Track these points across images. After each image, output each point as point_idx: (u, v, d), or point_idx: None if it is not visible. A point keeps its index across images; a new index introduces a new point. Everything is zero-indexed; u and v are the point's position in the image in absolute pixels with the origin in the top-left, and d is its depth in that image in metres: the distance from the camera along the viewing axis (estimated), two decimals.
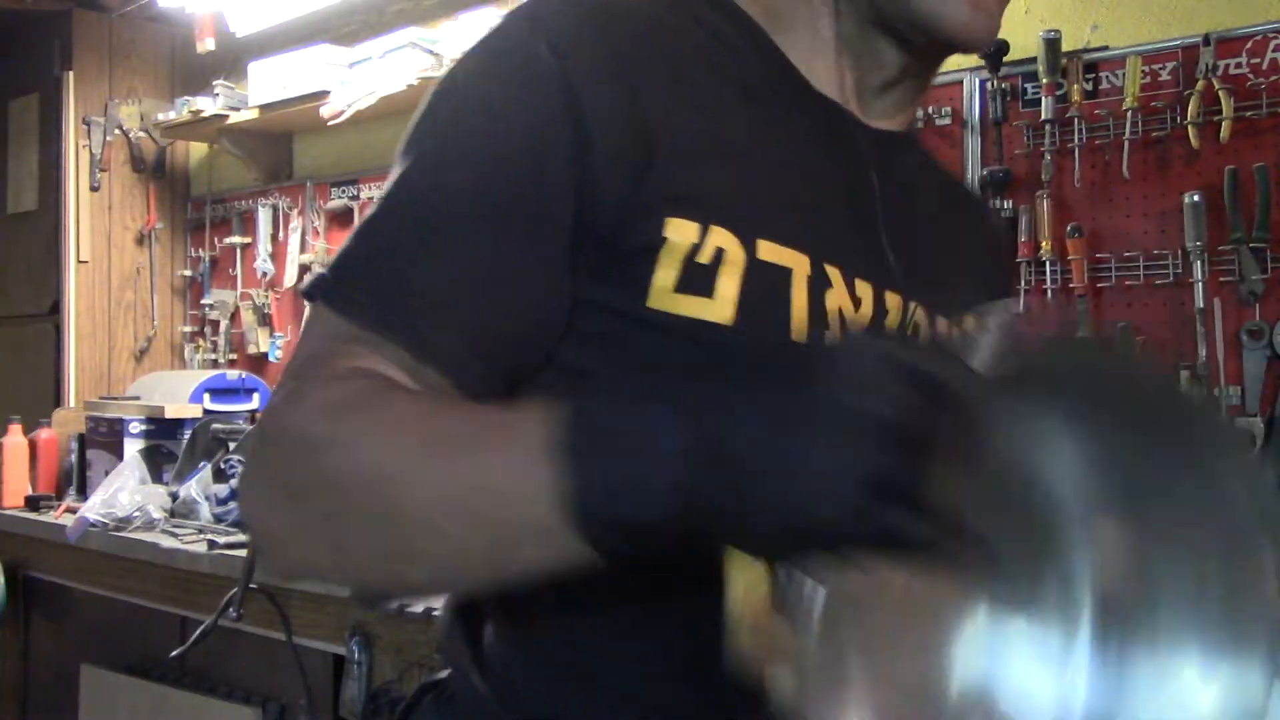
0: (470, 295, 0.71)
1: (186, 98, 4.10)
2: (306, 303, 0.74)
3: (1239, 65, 2.17)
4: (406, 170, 0.74)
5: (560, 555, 0.60)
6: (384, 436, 0.65)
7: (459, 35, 3.13)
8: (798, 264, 0.75)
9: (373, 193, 3.64)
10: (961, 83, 2.51)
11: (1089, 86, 2.33)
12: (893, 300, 0.81)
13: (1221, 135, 2.14)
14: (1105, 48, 2.34)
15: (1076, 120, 2.31)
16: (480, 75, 0.78)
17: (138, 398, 3.61)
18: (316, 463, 0.65)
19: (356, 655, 2.23)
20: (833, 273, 0.77)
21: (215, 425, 3.14)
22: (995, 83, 2.41)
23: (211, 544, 2.64)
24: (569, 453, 0.59)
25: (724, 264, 0.72)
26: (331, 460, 0.65)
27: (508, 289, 0.71)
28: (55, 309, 4.26)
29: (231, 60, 4.16)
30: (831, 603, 0.60)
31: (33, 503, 3.33)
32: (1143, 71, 2.25)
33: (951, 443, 0.55)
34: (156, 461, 3.22)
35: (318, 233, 3.87)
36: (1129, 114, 2.25)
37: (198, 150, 4.58)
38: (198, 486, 2.98)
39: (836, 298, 0.77)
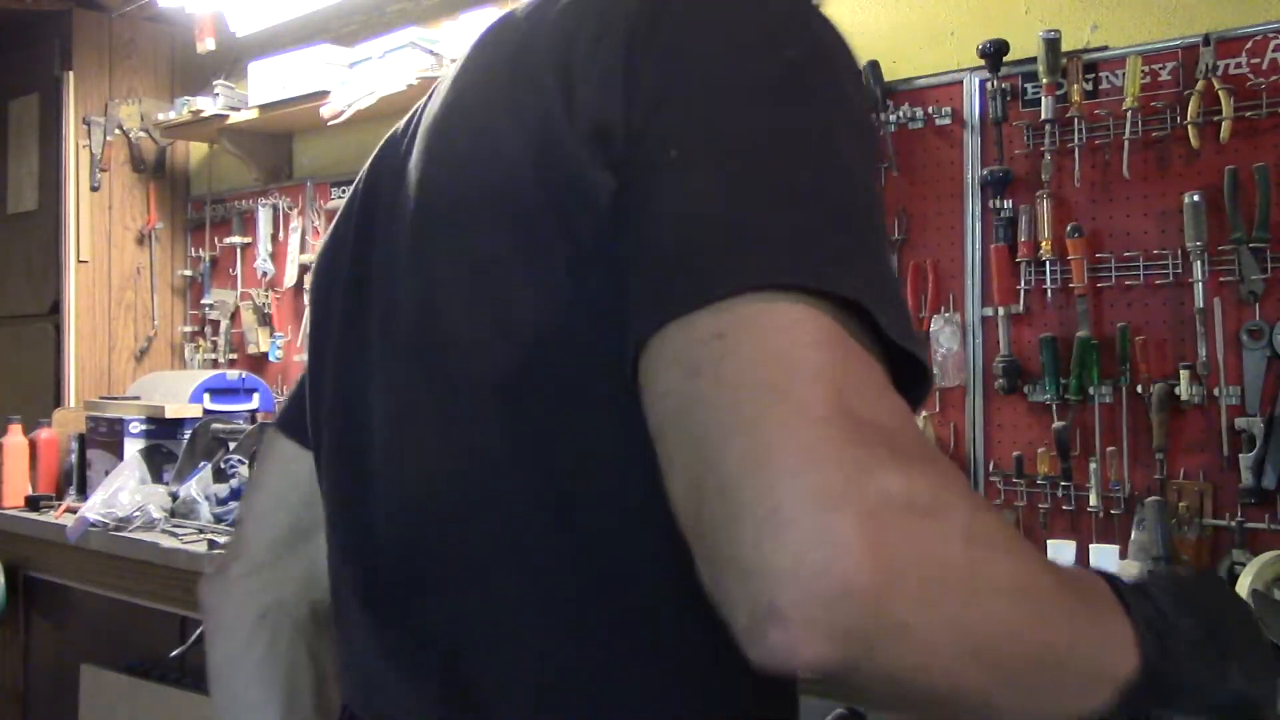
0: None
1: (186, 98, 4.11)
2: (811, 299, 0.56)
3: (1239, 65, 2.17)
4: (851, 167, 0.62)
5: (1104, 706, 0.60)
6: (1031, 579, 0.57)
7: (459, 35, 3.13)
8: None
9: None
10: (961, 83, 2.51)
11: (1089, 86, 2.33)
12: None
13: (1221, 135, 2.14)
14: (1105, 48, 2.34)
15: (1076, 120, 2.31)
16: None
17: (138, 398, 3.61)
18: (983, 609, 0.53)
19: None
20: None
21: (215, 425, 3.14)
22: (995, 83, 2.41)
23: (211, 544, 2.64)
24: (1140, 622, 0.62)
25: None
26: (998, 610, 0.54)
27: None
28: (55, 309, 4.26)
29: (231, 60, 4.17)
30: None
31: (33, 503, 3.33)
32: (1143, 71, 2.25)
33: None
34: (156, 461, 3.22)
35: (318, 232, 3.87)
36: (1129, 114, 2.25)
37: (198, 150, 4.58)
38: (198, 486, 2.98)
39: None
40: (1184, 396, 2.18)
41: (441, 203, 0.75)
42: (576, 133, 0.66)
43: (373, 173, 0.88)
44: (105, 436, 3.30)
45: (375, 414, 0.79)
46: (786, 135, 0.61)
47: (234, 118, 3.89)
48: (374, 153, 0.90)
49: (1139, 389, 2.24)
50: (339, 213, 0.93)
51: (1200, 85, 2.17)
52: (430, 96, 0.86)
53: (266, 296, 4.06)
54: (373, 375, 0.80)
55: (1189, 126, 2.17)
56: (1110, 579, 0.65)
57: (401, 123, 0.89)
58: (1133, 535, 2.17)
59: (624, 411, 0.61)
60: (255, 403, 3.56)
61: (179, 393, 3.50)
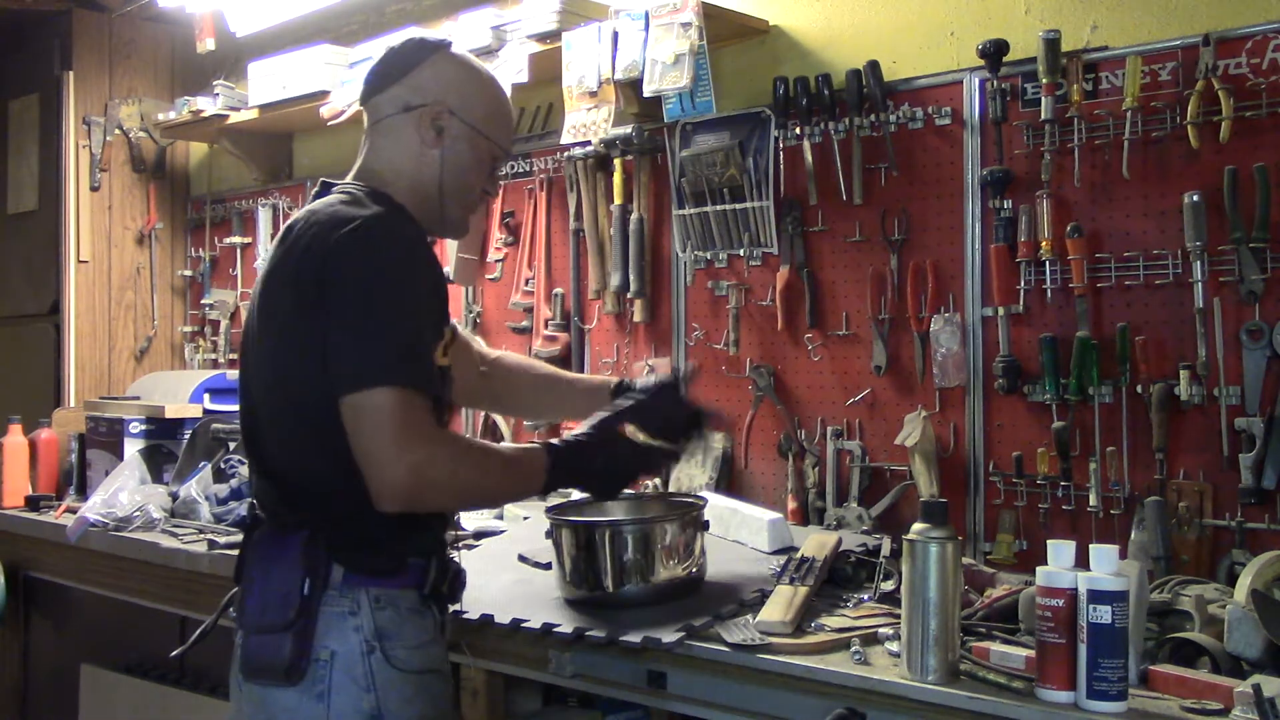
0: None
1: (186, 98, 4.11)
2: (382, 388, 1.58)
3: (1239, 65, 2.17)
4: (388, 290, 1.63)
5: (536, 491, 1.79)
6: (486, 467, 1.72)
7: (459, 35, 3.12)
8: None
9: None
10: (961, 83, 2.51)
11: (1089, 86, 2.33)
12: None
13: (1221, 135, 2.13)
14: (1105, 48, 2.34)
15: (1076, 120, 2.31)
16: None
17: (138, 398, 3.61)
18: (464, 480, 1.67)
19: None
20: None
21: (215, 425, 3.14)
22: (995, 83, 2.41)
23: (211, 544, 2.64)
24: (551, 469, 1.77)
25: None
26: (472, 481, 1.69)
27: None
28: (55, 309, 4.26)
29: (231, 60, 4.17)
30: None
31: (33, 503, 3.33)
32: (1142, 71, 2.25)
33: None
34: (156, 461, 3.22)
35: None
36: (1129, 114, 2.25)
37: (198, 150, 4.58)
38: (198, 486, 2.98)
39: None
40: (1184, 396, 2.18)
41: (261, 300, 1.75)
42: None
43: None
44: (105, 436, 3.30)
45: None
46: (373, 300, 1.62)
47: (234, 118, 3.90)
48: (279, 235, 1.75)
49: (1139, 389, 2.24)
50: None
51: (1200, 85, 2.17)
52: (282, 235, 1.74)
53: None
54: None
55: (1189, 126, 2.17)
56: (550, 449, 1.79)
57: (287, 224, 1.73)
58: (1133, 535, 2.17)
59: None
60: None
61: (179, 393, 3.50)
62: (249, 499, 1.83)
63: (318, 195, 1.78)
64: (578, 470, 1.82)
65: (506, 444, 1.90)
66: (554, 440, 1.83)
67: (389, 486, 1.56)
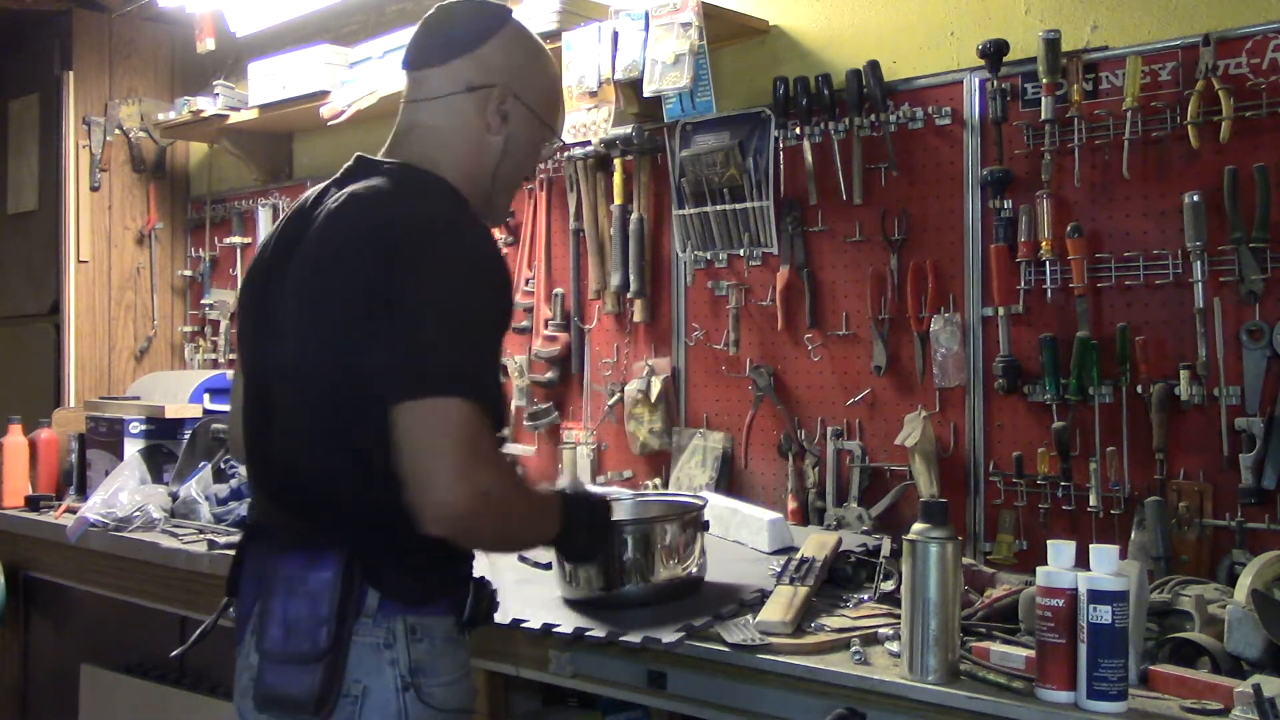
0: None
1: (186, 98, 4.11)
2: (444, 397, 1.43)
3: (1239, 65, 2.17)
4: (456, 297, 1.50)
5: (548, 540, 1.74)
6: (530, 506, 1.64)
7: None
8: None
9: None
10: (961, 83, 2.51)
11: (1089, 86, 2.33)
12: None
13: (1221, 135, 2.13)
14: (1105, 48, 2.34)
15: (1076, 120, 2.31)
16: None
17: (138, 398, 3.61)
18: (514, 518, 1.58)
19: None
20: None
21: (215, 425, 3.14)
22: (995, 83, 2.41)
23: (211, 544, 2.64)
24: (565, 519, 1.70)
25: None
26: (517, 519, 1.59)
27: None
28: (55, 309, 4.26)
29: (231, 60, 4.16)
30: None
31: (33, 503, 3.33)
32: (1143, 71, 2.25)
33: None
34: (156, 461, 3.22)
35: None
36: (1129, 114, 2.25)
37: (198, 150, 4.58)
38: (198, 486, 2.98)
39: None
40: (1184, 396, 2.18)
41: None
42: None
43: (286, 228, 1.65)
44: (105, 436, 3.30)
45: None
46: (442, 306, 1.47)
47: (234, 118, 3.90)
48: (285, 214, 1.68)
49: (1139, 389, 2.24)
50: (266, 238, 1.70)
51: (1200, 85, 2.17)
52: (312, 202, 1.63)
53: None
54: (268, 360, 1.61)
55: (1189, 126, 2.17)
56: (564, 496, 1.72)
57: (313, 194, 1.64)
58: (1133, 535, 2.17)
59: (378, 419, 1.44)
60: None
61: (179, 393, 3.50)
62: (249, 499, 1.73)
63: (355, 172, 1.61)
64: (578, 524, 1.71)
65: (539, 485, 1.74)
66: (562, 488, 1.75)
67: (443, 509, 1.40)
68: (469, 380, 1.42)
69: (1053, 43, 2.31)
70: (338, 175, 1.64)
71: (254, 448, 1.63)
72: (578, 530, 1.72)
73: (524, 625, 1.93)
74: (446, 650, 1.57)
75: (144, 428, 3.24)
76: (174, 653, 2.02)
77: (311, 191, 1.65)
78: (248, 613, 1.59)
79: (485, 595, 1.62)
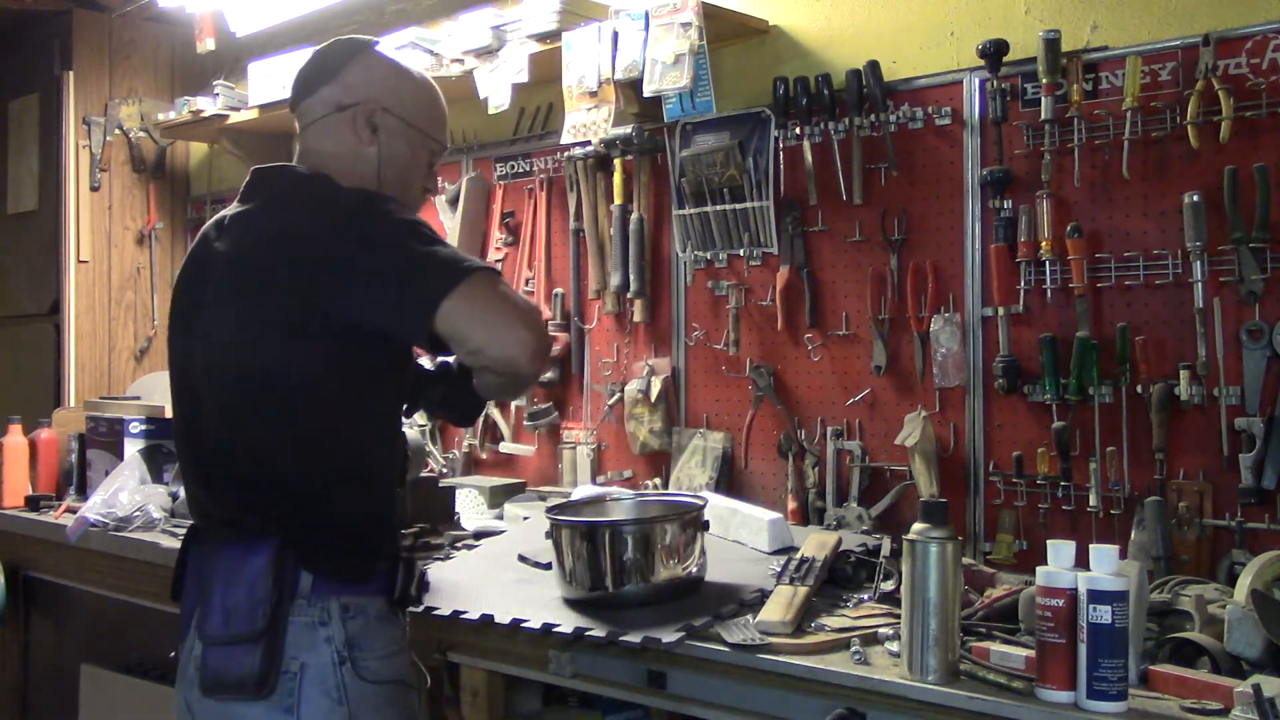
0: None
1: (186, 98, 4.10)
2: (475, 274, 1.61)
3: (1239, 65, 2.17)
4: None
5: None
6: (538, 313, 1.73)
7: (459, 35, 3.13)
8: None
9: None
10: (961, 83, 2.51)
11: (1089, 86, 2.33)
12: None
13: (1221, 135, 2.13)
14: (1105, 48, 2.34)
15: (1076, 120, 2.31)
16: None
17: (138, 398, 3.61)
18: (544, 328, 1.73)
19: None
20: None
21: None
22: (995, 83, 2.41)
23: None
24: None
25: None
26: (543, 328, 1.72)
27: None
28: (55, 309, 4.26)
29: (231, 60, 4.17)
30: None
31: (33, 503, 3.33)
32: (1142, 71, 2.25)
33: None
34: (156, 461, 3.22)
35: None
36: (1129, 114, 2.25)
37: (198, 150, 4.58)
38: None
39: None
40: (1184, 396, 2.18)
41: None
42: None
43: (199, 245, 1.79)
44: (105, 436, 3.30)
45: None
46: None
47: (234, 118, 3.89)
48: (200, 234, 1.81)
49: (1139, 389, 2.24)
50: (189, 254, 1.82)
51: (1200, 85, 2.17)
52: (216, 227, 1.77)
53: None
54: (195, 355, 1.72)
55: (1189, 126, 2.17)
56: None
57: (213, 221, 1.79)
58: (1133, 535, 2.17)
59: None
60: None
61: None
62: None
63: (256, 185, 1.79)
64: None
65: None
66: None
67: (529, 344, 1.61)
68: (474, 261, 1.63)
69: (1053, 43, 2.31)
70: (240, 191, 1.81)
71: (189, 448, 1.74)
72: None
73: (524, 625, 1.93)
74: (380, 627, 1.67)
75: (144, 428, 3.24)
76: (174, 653, 2.02)
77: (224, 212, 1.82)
78: (191, 609, 1.68)
79: (414, 575, 1.73)
